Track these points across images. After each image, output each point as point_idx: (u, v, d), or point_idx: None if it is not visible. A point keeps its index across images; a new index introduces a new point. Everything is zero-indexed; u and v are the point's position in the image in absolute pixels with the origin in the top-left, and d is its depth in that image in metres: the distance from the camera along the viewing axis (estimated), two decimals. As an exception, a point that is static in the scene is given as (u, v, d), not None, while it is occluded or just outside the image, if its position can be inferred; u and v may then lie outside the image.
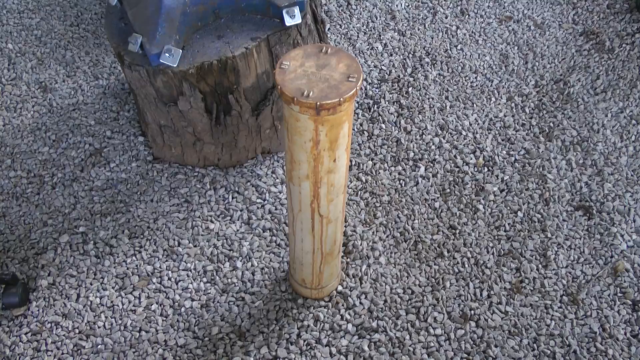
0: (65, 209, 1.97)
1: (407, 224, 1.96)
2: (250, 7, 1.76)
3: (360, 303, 1.77)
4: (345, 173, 1.34)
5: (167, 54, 1.61)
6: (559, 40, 2.54)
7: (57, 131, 2.19)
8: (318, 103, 1.07)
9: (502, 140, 2.18)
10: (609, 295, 1.79)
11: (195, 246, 1.88)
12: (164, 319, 1.73)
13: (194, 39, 1.72)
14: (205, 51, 1.69)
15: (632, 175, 2.05)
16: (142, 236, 1.90)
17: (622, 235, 1.90)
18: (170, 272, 1.83)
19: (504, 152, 2.14)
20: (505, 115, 2.27)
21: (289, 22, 1.74)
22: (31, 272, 1.82)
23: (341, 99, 1.08)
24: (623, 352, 1.69)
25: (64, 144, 2.15)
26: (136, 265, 1.84)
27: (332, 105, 1.08)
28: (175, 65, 1.62)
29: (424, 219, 1.97)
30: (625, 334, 1.72)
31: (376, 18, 2.69)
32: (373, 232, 1.94)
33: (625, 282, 1.81)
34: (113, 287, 1.79)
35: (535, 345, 1.70)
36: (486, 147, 2.16)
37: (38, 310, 1.75)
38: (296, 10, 1.74)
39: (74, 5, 2.71)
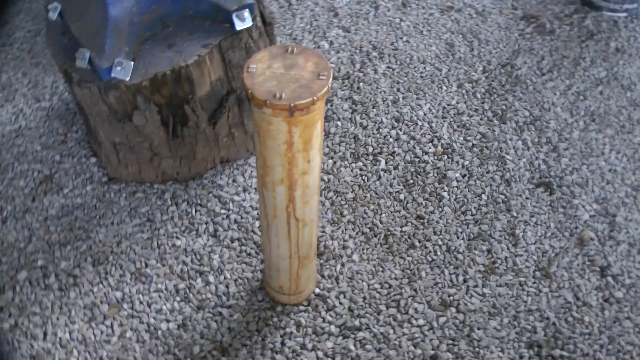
0: (19, 243, 1.86)
1: (375, 218, 1.95)
2: (199, 14, 1.71)
3: (340, 303, 1.75)
4: (319, 173, 1.31)
5: (118, 68, 1.54)
6: (501, 25, 2.59)
7: (1, 161, 2.07)
8: (292, 104, 1.04)
9: (458, 126, 2.21)
10: (578, 265, 1.83)
11: (163, 265, 1.82)
12: (141, 345, 1.66)
13: (143, 50, 1.66)
14: (157, 62, 1.63)
15: (585, 148, 2.11)
16: (106, 262, 1.82)
17: (583, 206, 1.95)
18: (141, 295, 1.76)
19: (461, 138, 2.17)
20: (457, 102, 2.29)
21: (239, 25, 1.71)
22: (-10, 314, 1.72)
23: (314, 98, 1.06)
24: (598, 317, 1.73)
25: (10, 174, 2.04)
26: (104, 293, 1.76)
27: (306, 105, 1.06)
28: (128, 79, 1.56)
29: (391, 212, 1.97)
30: (597, 299, 1.77)
31: (319, 16, 2.68)
32: (342, 231, 1.92)
33: (591, 250, 1.86)
34: (82, 320, 1.71)
35: (515, 322, 1.72)
36: (443, 135, 2.18)
37: (1, 357, 1.64)
38: (246, 13, 1.71)
39: (4, 23, 2.58)
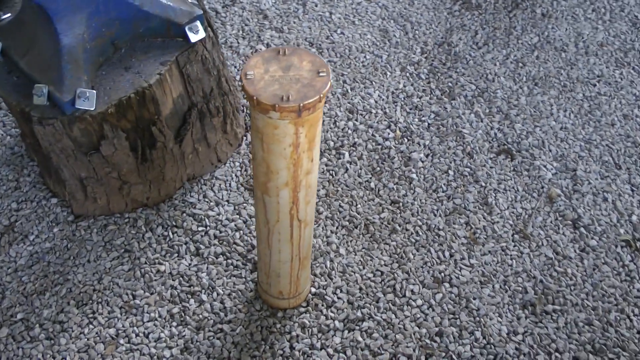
0: (-9, 298, 1.75)
1: (352, 210, 1.98)
2: (149, 31, 1.66)
3: (338, 298, 1.76)
4: (317, 171, 1.31)
5: (81, 99, 1.47)
6: (429, 6, 2.67)
7: (-51, 217, 1.93)
8: (301, 104, 1.04)
9: (411, 109, 2.27)
10: (551, 222, 1.93)
11: (152, 293, 1.76)
12: (147, 377, 1.61)
13: (100, 77, 1.59)
14: (118, 86, 1.57)
15: (534, 111, 2.22)
16: (91, 301, 1.74)
17: (545, 166, 2.06)
18: (135, 327, 1.69)
19: (416, 119, 2.23)
20: (404, 86, 2.35)
21: (194, 38, 1.67)
22: (-24, 378, 1.60)
23: (321, 95, 1.06)
24: (579, 267, 1.83)
25: (-37, 228, 1.90)
26: (96, 333, 1.68)
27: (313, 104, 1.06)
28: (93, 108, 1.49)
29: (366, 202, 2.00)
30: (575, 251, 1.87)
31: (249, 21, 2.66)
32: (322, 228, 1.93)
33: (561, 206, 1.96)
34: (78, 363, 1.63)
35: (506, 286, 1.79)
36: (398, 119, 2.23)
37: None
38: (198, 24, 1.67)
39: None
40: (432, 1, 2.70)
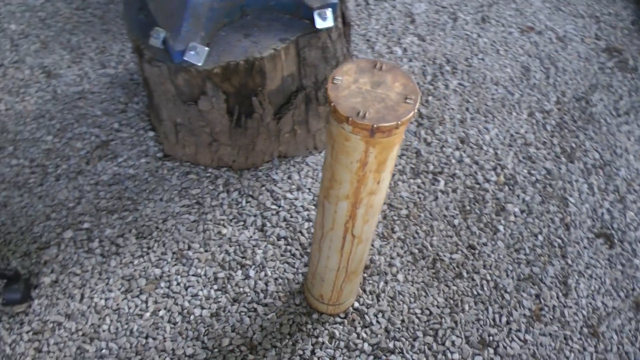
0: (69, 202, 1.87)
1: (426, 240, 1.90)
2: (280, 6, 1.67)
3: (377, 322, 1.71)
4: (385, 194, 1.26)
5: (192, 52, 1.51)
6: (581, 55, 2.48)
7: (61, 120, 2.08)
8: (375, 125, 0.99)
9: (523, 158, 2.13)
10: (630, 330, 1.74)
11: (206, 251, 1.80)
12: (172, 326, 1.65)
13: (219, 37, 1.63)
14: (231, 50, 1.60)
15: (655, 203, 2.01)
16: (150, 237, 1.81)
17: (644, 266, 1.86)
18: (179, 277, 1.74)
19: (525, 170, 2.09)
20: (526, 132, 2.21)
21: (320, 24, 1.66)
22: (33, 268, 1.73)
23: (399, 122, 1.00)
24: (642, 387, 1.65)
25: (69, 133, 2.05)
26: (144, 268, 1.75)
27: (389, 129, 1.01)
28: (200, 64, 1.53)
29: (443, 236, 1.91)
30: (645, 369, 1.68)
31: (395, 20, 2.61)
32: (391, 247, 1.87)
33: (646, 315, 1.77)
34: (119, 289, 1.71)
35: (554, 375, 1.65)
36: (507, 164, 2.10)
37: (40, 309, 1.66)
38: (328, 12, 1.66)
39: (83, -15, 2.59)
40: (586, 50, 2.51)
